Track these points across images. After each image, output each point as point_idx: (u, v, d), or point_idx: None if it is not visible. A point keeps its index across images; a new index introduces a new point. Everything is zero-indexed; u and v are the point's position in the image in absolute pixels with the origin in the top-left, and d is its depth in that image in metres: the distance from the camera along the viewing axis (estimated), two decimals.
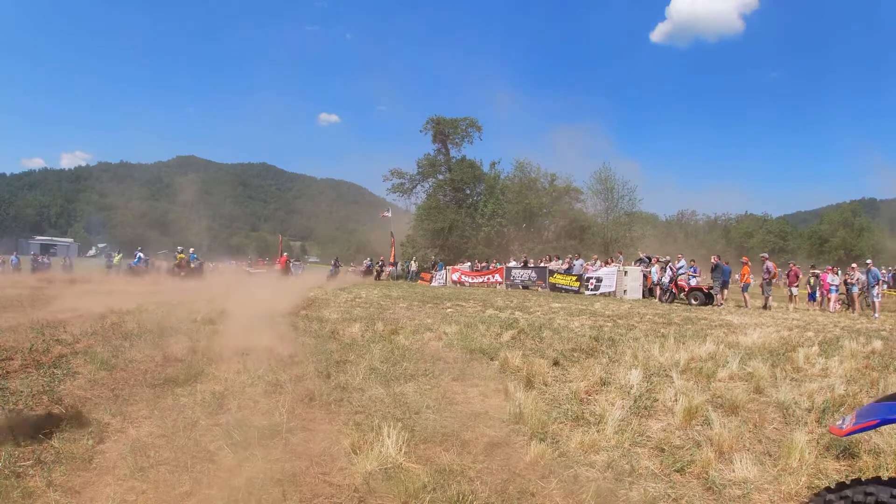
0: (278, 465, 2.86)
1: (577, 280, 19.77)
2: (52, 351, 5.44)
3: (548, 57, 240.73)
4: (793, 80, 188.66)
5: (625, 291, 18.14)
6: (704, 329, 8.88)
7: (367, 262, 32.70)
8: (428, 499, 2.53)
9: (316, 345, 6.38)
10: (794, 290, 16.32)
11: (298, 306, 10.85)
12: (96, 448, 3.06)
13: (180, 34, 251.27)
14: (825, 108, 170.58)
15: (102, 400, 3.93)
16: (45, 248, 56.44)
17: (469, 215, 39.74)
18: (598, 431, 3.51)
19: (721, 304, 15.23)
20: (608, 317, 10.60)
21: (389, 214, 36.48)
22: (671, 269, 16.58)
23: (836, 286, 15.57)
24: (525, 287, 21.52)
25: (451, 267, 26.76)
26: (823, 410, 4.05)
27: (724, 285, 15.79)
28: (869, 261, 15.72)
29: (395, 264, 31.28)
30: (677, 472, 3.00)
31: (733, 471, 2.98)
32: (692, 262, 17.41)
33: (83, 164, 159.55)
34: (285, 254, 32.12)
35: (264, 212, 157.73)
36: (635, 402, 4.18)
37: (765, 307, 15.14)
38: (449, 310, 11.38)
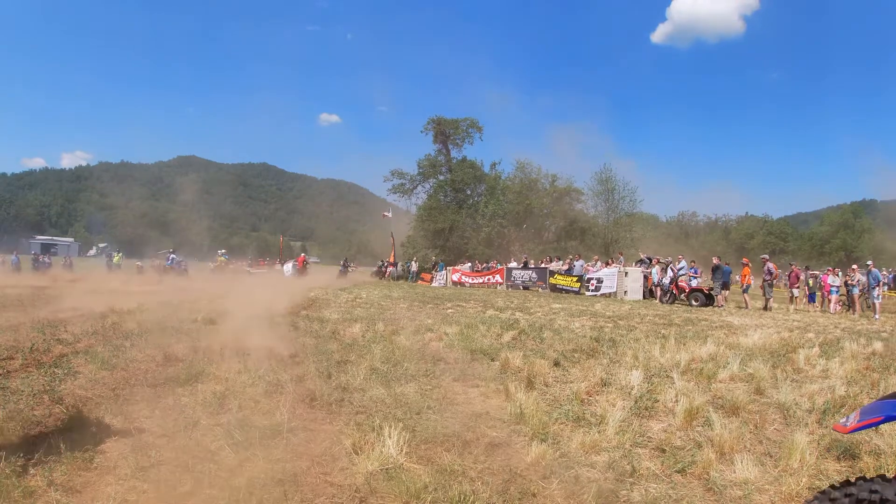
0: (279, 465, 2.86)
1: (577, 281, 19.79)
2: (52, 350, 5.45)
3: (549, 58, 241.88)
4: (793, 80, 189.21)
5: (625, 292, 18.15)
6: (705, 330, 8.89)
7: (379, 263, 32.76)
8: (429, 499, 2.53)
9: (317, 345, 6.38)
10: (795, 291, 16.33)
11: (299, 306, 10.86)
12: (97, 448, 3.06)
13: (180, 34, 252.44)
14: (825, 109, 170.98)
15: (103, 399, 3.92)
16: (46, 248, 56.46)
17: (470, 216, 39.72)
18: (599, 432, 3.50)
19: (722, 305, 15.23)
20: (609, 318, 10.60)
21: (390, 215, 36.56)
22: (672, 270, 16.59)
23: (837, 287, 15.57)
24: (526, 288, 21.53)
25: (451, 267, 26.78)
26: (824, 411, 4.05)
27: (725, 286, 15.79)
28: (869, 262, 15.73)
29: (395, 265, 31.31)
30: (678, 472, 3.00)
31: (734, 471, 2.98)
32: (693, 264, 17.41)
33: (84, 163, 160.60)
34: (303, 254, 32.64)
35: (265, 212, 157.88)
36: (636, 402, 4.18)
37: (765, 308, 15.14)
38: (449, 310, 11.38)
